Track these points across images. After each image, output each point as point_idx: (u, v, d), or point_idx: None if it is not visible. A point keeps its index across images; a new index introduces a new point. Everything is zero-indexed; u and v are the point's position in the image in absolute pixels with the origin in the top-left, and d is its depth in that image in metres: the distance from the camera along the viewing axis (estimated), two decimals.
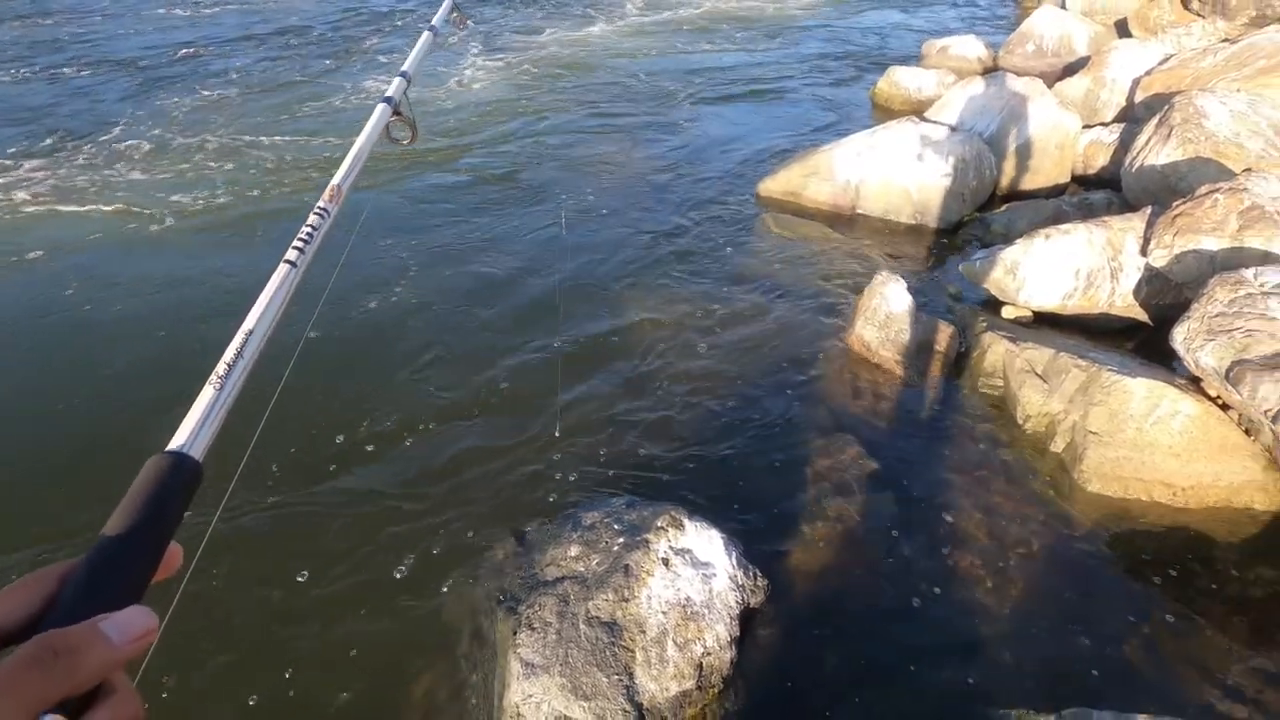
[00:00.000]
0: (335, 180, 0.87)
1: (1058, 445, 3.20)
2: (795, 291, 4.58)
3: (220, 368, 0.60)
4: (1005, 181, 5.72)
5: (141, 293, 4.55)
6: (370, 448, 3.28)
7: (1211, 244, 3.45)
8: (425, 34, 1.39)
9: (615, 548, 2.42)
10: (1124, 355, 3.47)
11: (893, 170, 5.48)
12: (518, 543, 2.69)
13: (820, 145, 5.87)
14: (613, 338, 4.10)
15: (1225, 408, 3.01)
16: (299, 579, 2.65)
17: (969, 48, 8.20)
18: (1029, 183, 5.71)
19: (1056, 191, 5.64)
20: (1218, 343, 2.89)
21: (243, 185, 5.95)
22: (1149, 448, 2.95)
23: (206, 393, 0.58)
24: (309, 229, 0.77)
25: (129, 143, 6.71)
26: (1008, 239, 4.33)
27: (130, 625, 0.43)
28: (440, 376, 3.77)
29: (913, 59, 8.45)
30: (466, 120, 7.29)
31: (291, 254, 0.73)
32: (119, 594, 0.45)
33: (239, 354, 0.61)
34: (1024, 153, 5.67)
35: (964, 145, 5.38)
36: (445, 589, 2.60)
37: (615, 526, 2.51)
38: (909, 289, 3.85)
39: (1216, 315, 2.96)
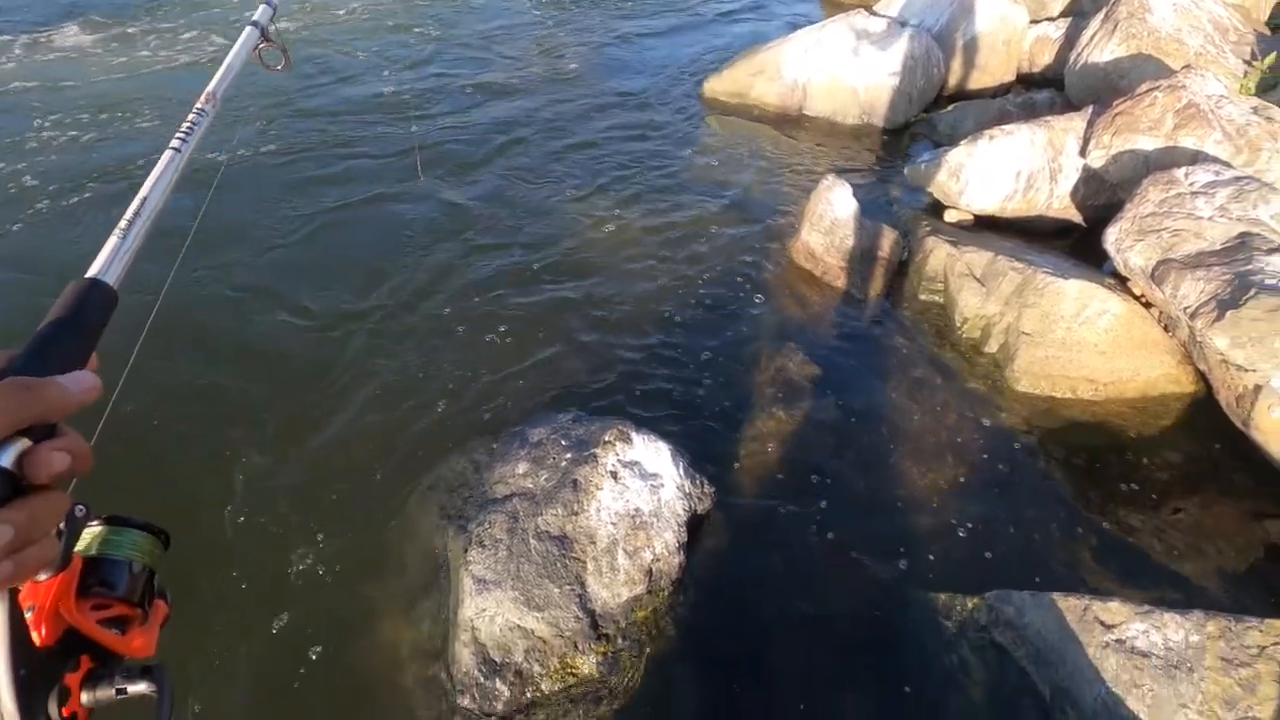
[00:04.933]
0: (209, 88, 0.98)
1: (992, 347, 3.30)
2: (740, 198, 4.49)
3: (122, 223, 0.71)
4: (953, 80, 5.62)
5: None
6: (307, 369, 3.16)
7: (1147, 144, 3.49)
8: None
9: (563, 463, 2.42)
10: (1059, 257, 3.55)
11: (840, 69, 5.30)
12: (465, 462, 2.67)
13: (768, 42, 5.62)
14: (550, 249, 3.97)
15: (1148, 306, 3.13)
16: (242, 505, 2.58)
17: None
18: (976, 81, 5.63)
19: (1002, 90, 5.59)
20: (1146, 242, 2.97)
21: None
22: (1076, 346, 3.08)
23: (113, 238, 0.69)
24: (188, 124, 0.89)
25: None
26: (953, 140, 4.29)
27: (79, 379, 0.51)
28: (380, 298, 3.61)
29: None
30: (370, 40, 6.68)
31: (175, 142, 0.85)
32: (60, 368, 0.52)
33: (137, 213, 0.73)
34: (971, 49, 5.55)
35: (912, 42, 5.23)
36: (394, 511, 2.58)
37: (563, 442, 2.50)
38: (855, 194, 3.81)
39: (1147, 215, 3.03)
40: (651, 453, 2.47)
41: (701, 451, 2.76)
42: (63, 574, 0.54)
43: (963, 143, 3.97)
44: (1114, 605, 2.01)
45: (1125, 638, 1.94)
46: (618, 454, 2.42)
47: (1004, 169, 3.84)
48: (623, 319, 3.49)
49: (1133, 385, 3.06)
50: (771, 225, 4.20)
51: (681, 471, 2.50)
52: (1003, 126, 3.95)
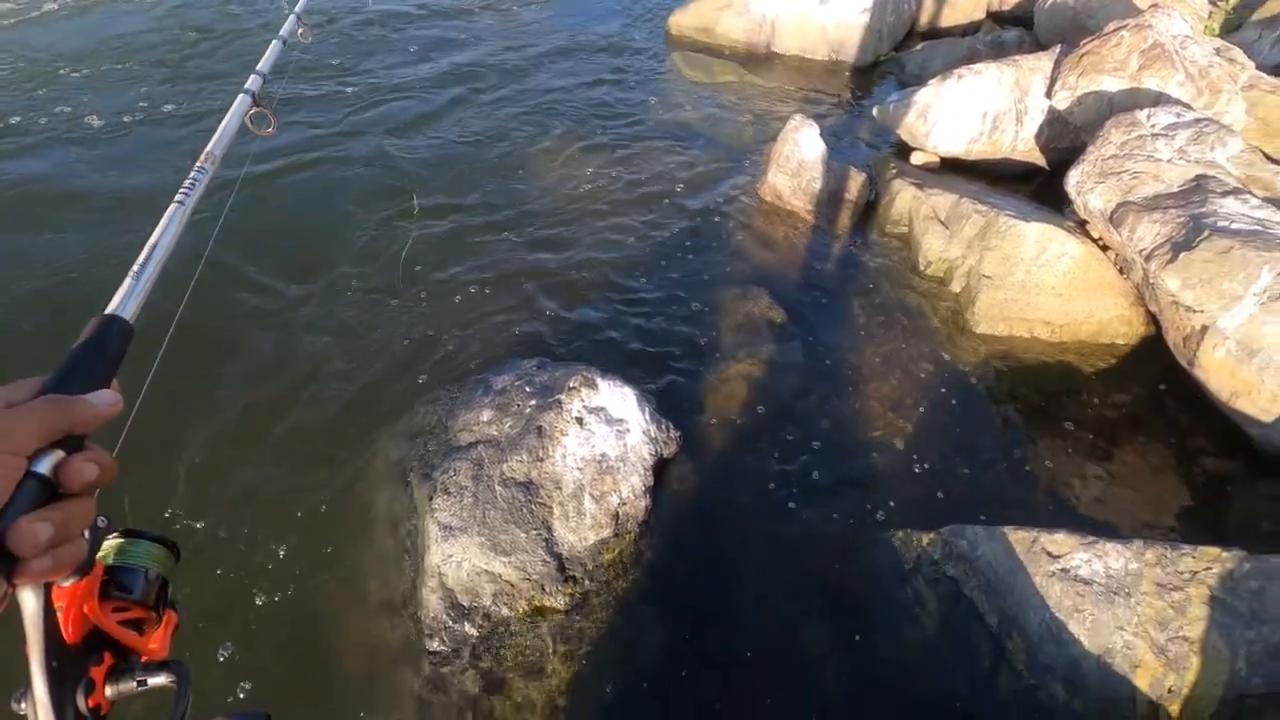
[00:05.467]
0: (208, 148, 1.09)
1: (954, 289, 3.33)
2: (706, 140, 4.39)
3: (135, 266, 0.78)
4: (924, 17, 5.52)
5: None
6: (267, 331, 3.05)
7: (1112, 85, 3.48)
8: (275, 42, 1.66)
9: (528, 410, 2.40)
10: (1022, 200, 3.57)
11: (809, 4, 5.15)
12: (430, 411, 2.64)
13: None
14: (512, 200, 3.86)
15: (1105, 248, 3.18)
16: (219, 462, 2.52)
17: None
18: (947, 18, 5.53)
19: (972, 28, 5.51)
20: (1107, 185, 2.99)
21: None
22: (1035, 289, 3.12)
23: (128, 280, 0.76)
24: (191, 180, 0.99)
25: None
26: (921, 80, 4.23)
27: (103, 396, 0.57)
28: (342, 260, 3.48)
29: None
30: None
31: (180, 196, 0.94)
32: (86, 388, 0.58)
33: (149, 256, 0.81)
34: None
35: None
36: (359, 461, 2.54)
37: (527, 389, 2.48)
38: (822, 135, 3.75)
39: (1109, 158, 3.05)
40: (617, 398, 2.47)
41: (667, 396, 2.77)
42: (87, 578, 0.58)
43: (931, 82, 3.91)
44: (1060, 536, 2.10)
45: (1070, 567, 2.04)
46: (583, 400, 2.41)
47: (971, 110, 3.81)
48: (586, 267, 3.43)
49: (1087, 327, 3.14)
50: (738, 168, 4.13)
51: (647, 416, 2.50)
52: (971, 66, 3.90)
